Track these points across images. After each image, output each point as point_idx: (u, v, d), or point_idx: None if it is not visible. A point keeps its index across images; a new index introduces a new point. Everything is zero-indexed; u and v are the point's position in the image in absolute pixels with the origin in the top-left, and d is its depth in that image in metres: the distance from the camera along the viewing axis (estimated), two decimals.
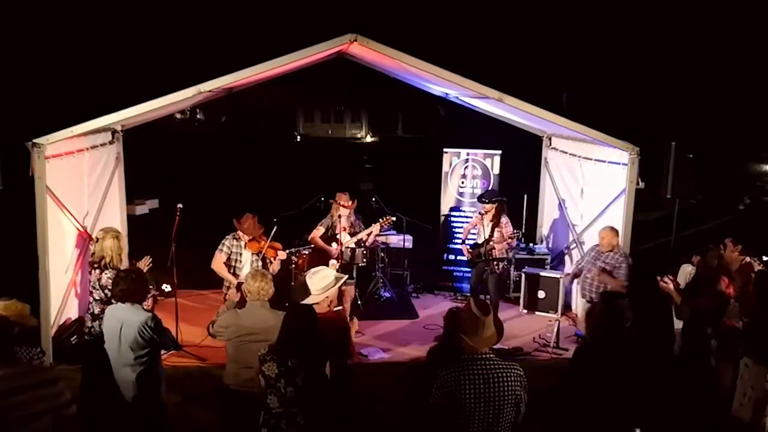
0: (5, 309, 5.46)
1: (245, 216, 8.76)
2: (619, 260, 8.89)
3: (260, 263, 8.74)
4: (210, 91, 8.89)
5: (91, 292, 7.57)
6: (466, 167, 12.62)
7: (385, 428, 7.12)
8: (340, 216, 10.20)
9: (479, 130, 13.60)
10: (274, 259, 8.83)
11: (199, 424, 7.37)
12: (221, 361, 8.38)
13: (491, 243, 10.25)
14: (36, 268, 8.38)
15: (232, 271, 8.69)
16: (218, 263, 8.70)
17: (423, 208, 13.82)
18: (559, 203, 11.95)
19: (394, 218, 10.69)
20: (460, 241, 11.52)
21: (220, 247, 8.75)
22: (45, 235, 8.36)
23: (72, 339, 8.89)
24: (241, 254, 8.74)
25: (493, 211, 10.36)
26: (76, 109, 8.67)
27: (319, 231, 10.37)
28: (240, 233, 8.74)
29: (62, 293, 9.06)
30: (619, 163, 9.56)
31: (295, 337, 5.15)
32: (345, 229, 10.25)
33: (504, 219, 10.46)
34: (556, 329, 9.76)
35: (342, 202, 10.21)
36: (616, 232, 9.07)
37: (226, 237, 8.84)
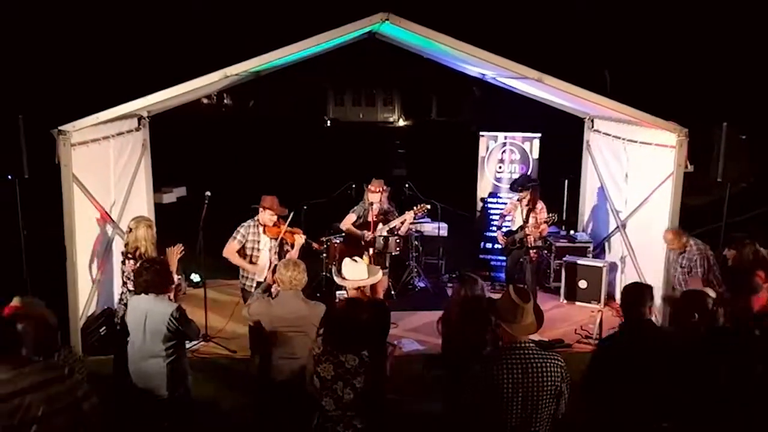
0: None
1: (264, 197, 8.65)
2: (693, 259, 8.72)
3: (278, 249, 8.68)
4: (237, 74, 8.92)
5: (125, 283, 7.63)
6: (504, 151, 12.54)
7: (420, 420, 7.09)
8: (372, 203, 10.21)
9: (517, 112, 13.53)
10: (293, 244, 8.76)
11: (226, 416, 7.41)
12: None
13: (526, 229, 10.24)
14: (63, 258, 8.46)
15: (248, 260, 8.63)
16: (231, 251, 8.58)
17: (458, 195, 13.78)
18: (602, 188, 11.87)
19: (428, 206, 10.63)
20: (495, 228, 11.48)
21: (234, 234, 8.63)
22: (72, 225, 8.45)
23: (101, 330, 8.99)
24: (259, 241, 8.64)
25: (528, 196, 10.38)
26: (101, 95, 8.77)
27: (351, 218, 10.39)
28: (259, 218, 8.61)
29: (90, 283, 9.16)
30: (666, 146, 9.40)
31: (352, 335, 5.05)
32: (377, 217, 10.26)
33: (540, 204, 10.45)
34: (599, 320, 9.58)
35: (372, 188, 10.23)
36: (676, 231, 8.92)
37: (242, 225, 8.71)
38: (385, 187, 10.34)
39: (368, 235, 10.13)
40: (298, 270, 6.11)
